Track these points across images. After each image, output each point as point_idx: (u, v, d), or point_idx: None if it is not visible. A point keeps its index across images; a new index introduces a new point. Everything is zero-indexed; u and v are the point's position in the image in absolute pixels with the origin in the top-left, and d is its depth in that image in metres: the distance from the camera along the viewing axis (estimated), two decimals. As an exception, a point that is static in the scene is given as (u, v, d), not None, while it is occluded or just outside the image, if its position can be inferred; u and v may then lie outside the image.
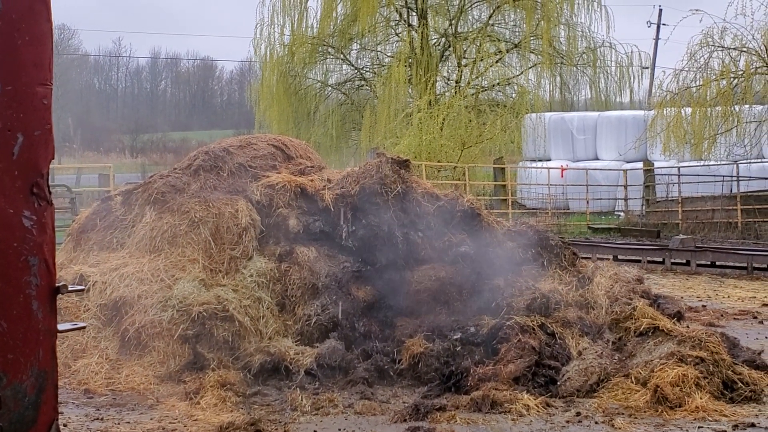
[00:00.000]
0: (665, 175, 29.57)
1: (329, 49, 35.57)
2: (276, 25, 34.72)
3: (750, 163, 27.08)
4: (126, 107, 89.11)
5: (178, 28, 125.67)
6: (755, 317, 12.31)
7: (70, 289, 2.89)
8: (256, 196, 9.80)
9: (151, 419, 7.32)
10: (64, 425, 7.08)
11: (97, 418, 7.34)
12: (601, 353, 8.42)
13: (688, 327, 9.18)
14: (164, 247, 9.43)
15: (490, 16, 34.86)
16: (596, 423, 7.19)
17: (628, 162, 32.00)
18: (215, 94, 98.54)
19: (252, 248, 9.46)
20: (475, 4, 35.29)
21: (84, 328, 8.63)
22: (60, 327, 2.90)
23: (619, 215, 31.10)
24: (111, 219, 10.02)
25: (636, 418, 7.32)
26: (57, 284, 2.82)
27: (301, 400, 7.72)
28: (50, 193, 2.80)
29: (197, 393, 7.85)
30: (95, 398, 7.93)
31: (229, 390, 7.95)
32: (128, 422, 7.23)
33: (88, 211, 10.51)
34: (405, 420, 7.24)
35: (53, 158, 2.80)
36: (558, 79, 35.23)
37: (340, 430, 7.04)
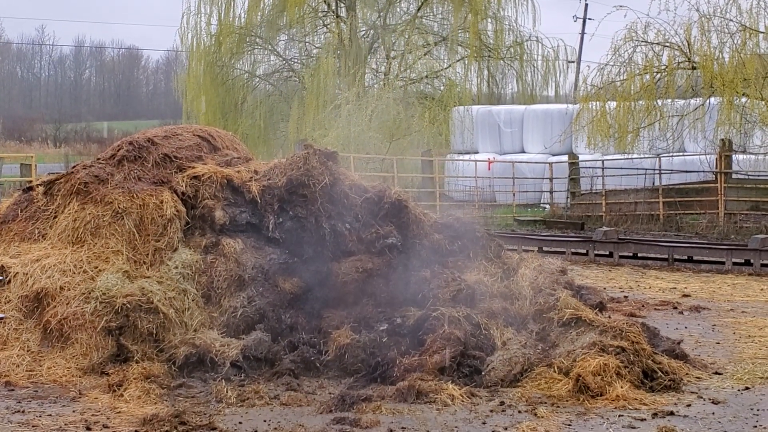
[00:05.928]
0: (590, 168, 29.92)
1: (257, 40, 35.34)
2: (203, 15, 34.37)
3: (672, 156, 27.49)
4: (49, 96, 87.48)
5: (102, 16, 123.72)
6: (675, 308, 12.57)
7: (-13, 279, 2.86)
8: (181, 187, 9.71)
9: (74, 412, 7.24)
10: (-16, 419, 6.97)
11: (18, 411, 7.24)
12: (525, 343, 8.53)
13: (609, 317, 9.35)
14: (87, 239, 9.31)
15: (418, 9, 34.97)
16: (519, 412, 7.29)
17: (553, 155, 32.33)
18: (141, 84, 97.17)
19: (177, 240, 9.38)
20: (404, -4, 35.37)
21: (3, 319, 8.50)
22: (-23, 318, 2.86)
23: (545, 208, 31.42)
24: (33, 209, 9.86)
25: (558, 406, 7.44)
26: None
27: (227, 392, 7.69)
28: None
29: (121, 385, 7.77)
30: (16, 391, 7.82)
31: (153, 382, 7.89)
32: (50, 415, 7.15)
33: (9, 202, 10.34)
34: (331, 411, 7.27)
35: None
36: (485, 72, 35.49)
37: (265, 421, 7.04)
